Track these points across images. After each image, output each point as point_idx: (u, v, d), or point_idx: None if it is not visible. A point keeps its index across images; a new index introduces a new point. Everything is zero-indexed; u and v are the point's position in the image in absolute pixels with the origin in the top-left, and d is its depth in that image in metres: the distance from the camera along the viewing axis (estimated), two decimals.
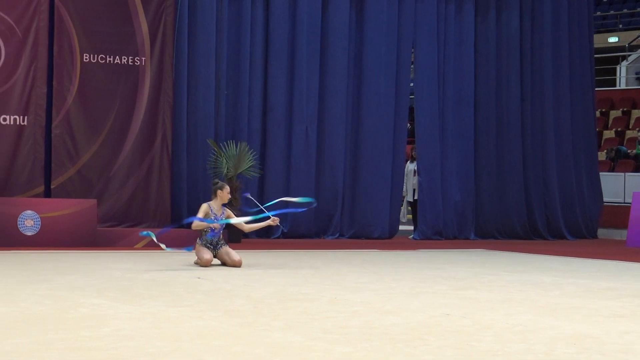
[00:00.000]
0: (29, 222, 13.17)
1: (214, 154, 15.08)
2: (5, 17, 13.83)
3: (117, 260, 11.31)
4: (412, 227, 18.14)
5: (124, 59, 14.62)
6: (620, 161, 22.22)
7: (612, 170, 21.88)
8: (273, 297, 8.01)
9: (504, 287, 9.42)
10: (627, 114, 25.55)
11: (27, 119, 13.93)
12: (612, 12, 32.09)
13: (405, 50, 17.58)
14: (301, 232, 16.46)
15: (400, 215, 18.06)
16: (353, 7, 17.12)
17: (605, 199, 19.92)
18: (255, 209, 11.37)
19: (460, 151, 18.01)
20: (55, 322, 6.36)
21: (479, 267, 11.99)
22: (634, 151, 22.73)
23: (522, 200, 18.59)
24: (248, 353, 5.37)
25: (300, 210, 12.65)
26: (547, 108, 18.88)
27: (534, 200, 18.74)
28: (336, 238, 16.71)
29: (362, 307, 7.53)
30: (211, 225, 10.85)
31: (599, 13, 30.38)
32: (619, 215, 19.51)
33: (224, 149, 15.04)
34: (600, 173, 20.14)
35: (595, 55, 20.61)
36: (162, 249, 10.83)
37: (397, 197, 17.59)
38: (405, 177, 17.78)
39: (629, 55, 28.64)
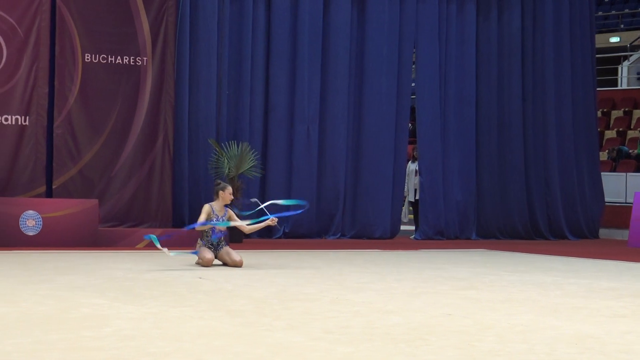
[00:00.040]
0: (30, 222, 13.18)
1: (216, 154, 15.08)
2: (7, 17, 13.84)
3: (119, 260, 11.31)
4: (413, 227, 18.14)
5: (126, 59, 14.62)
6: (622, 161, 22.23)
7: (613, 170, 21.89)
8: (274, 297, 8.01)
9: (506, 287, 9.42)
10: (628, 114, 25.56)
11: (29, 119, 13.94)
12: (613, 12, 32.07)
13: (407, 49, 17.59)
14: (302, 232, 16.46)
15: (402, 215, 18.06)
16: (354, 7, 17.13)
17: (606, 199, 19.92)
18: (256, 211, 11.36)
19: (461, 151, 18.02)
20: (57, 322, 6.36)
21: (481, 267, 11.98)
22: (636, 151, 22.74)
23: (524, 200, 18.59)
24: (249, 353, 5.37)
25: (297, 212, 12.55)
26: (549, 108, 18.89)
27: (536, 200, 18.74)
28: (338, 238, 16.71)
29: (364, 307, 7.53)
30: (214, 225, 10.82)
31: (600, 13, 30.37)
32: (620, 216, 19.50)
33: (225, 149, 15.05)
34: (602, 173, 20.14)
35: (597, 55, 20.60)
36: (167, 253, 10.66)
37: (398, 197, 17.59)
38: (406, 177, 17.79)
39: (631, 55, 28.63)
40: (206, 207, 10.94)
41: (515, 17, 18.61)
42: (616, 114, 25.77)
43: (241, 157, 15.04)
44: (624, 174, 21.08)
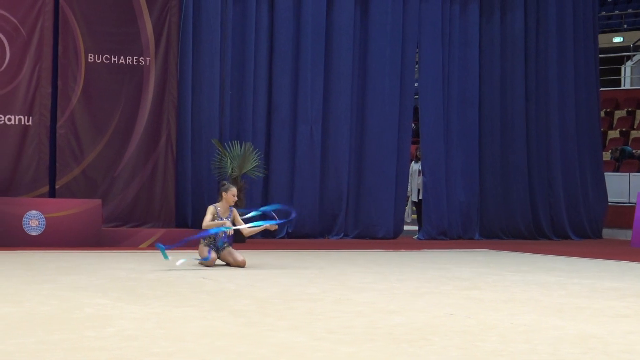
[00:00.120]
0: (33, 222, 13.19)
1: (219, 154, 15.08)
2: (10, 17, 13.85)
3: (122, 261, 11.31)
4: (416, 227, 18.13)
5: (129, 59, 14.63)
6: (625, 161, 22.22)
7: (616, 170, 21.88)
8: (277, 297, 8.01)
9: (509, 287, 9.42)
10: (631, 114, 25.54)
11: (32, 119, 13.94)
12: (616, 12, 32.06)
13: (410, 50, 17.59)
14: (305, 232, 16.46)
15: (405, 215, 18.05)
16: (357, 8, 17.12)
17: (609, 199, 19.90)
18: (258, 213, 11.37)
19: (464, 151, 18.01)
20: (60, 322, 6.36)
21: (484, 267, 11.98)
22: (639, 151, 22.71)
23: (527, 201, 18.59)
24: (252, 353, 5.37)
25: (293, 217, 12.35)
26: (552, 108, 18.88)
27: (539, 200, 18.73)
28: (340, 238, 16.71)
29: (367, 307, 7.53)
30: (220, 223, 10.73)
31: (603, 13, 30.36)
32: (623, 216, 19.50)
33: (228, 149, 15.05)
34: (605, 173, 20.13)
35: (600, 56, 20.60)
36: (177, 264, 10.34)
37: (401, 197, 17.59)
38: (409, 177, 17.79)
39: (634, 55, 28.62)
40: (210, 209, 10.92)
41: (518, 18, 18.60)
42: (619, 114, 25.75)
43: (244, 158, 15.04)
44: (627, 174, 21.07)
